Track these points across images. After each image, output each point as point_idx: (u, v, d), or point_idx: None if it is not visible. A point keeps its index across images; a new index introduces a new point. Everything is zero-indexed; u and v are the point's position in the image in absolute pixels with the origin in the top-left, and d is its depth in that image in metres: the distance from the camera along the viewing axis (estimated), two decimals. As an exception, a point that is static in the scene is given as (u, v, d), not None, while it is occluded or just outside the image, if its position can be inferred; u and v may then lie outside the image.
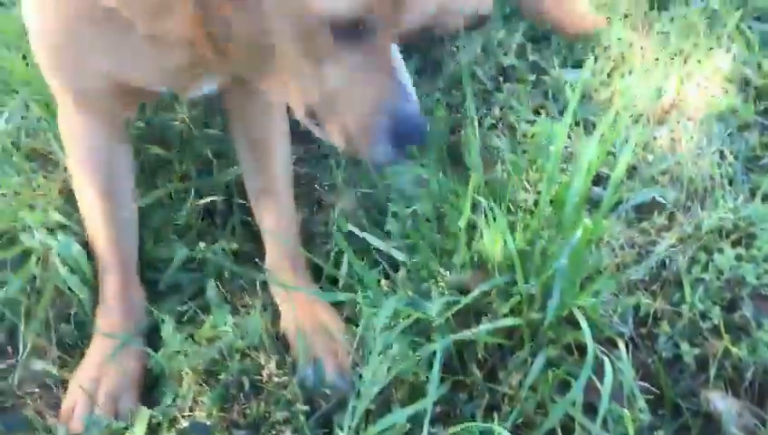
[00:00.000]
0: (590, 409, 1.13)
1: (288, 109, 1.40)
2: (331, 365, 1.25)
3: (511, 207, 1.42)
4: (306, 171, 1.63)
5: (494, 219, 1.24)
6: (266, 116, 1.47)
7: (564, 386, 1.15)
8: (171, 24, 1.09)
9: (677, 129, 1.67)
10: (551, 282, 1.17)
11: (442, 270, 1.26)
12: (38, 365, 1.28)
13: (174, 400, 1.20)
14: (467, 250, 1.29)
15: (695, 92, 1.75)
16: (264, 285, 1.37)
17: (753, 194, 1.51)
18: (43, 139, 1.55)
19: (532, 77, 1.83)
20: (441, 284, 1.23)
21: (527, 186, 1.51)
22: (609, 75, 1.84)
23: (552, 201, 1.30)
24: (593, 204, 1.41)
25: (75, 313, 1.33)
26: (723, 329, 1.25)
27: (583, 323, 1.14)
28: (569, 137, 1.62)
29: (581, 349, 1.17)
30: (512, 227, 1.28)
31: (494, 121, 1.71)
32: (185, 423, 1.17)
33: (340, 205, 1.50)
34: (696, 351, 1.24)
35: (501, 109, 1.75)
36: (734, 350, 1.23)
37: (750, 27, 1.89)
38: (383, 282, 1.28)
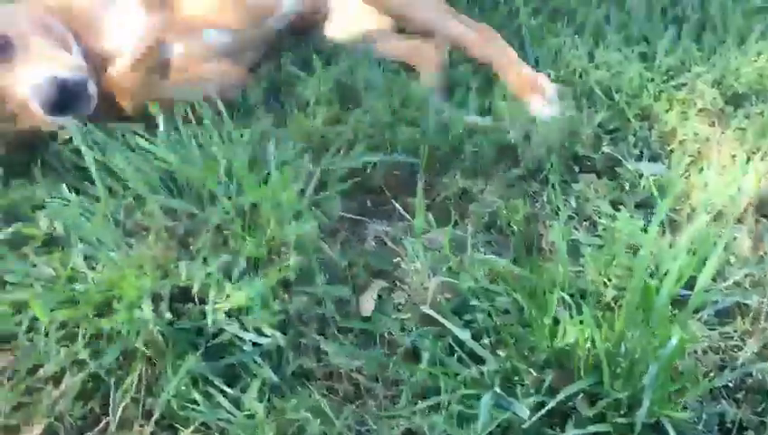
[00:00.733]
0: None
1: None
2: None
3: (593, 302, 1.43)
4: (388, 248, 1.66)
5: (581, 319, 1.26)
6: None
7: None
8: None
9: (757, 229, 1.67)
10: (638, 386, 1.17)
11: (526, 367, 1.27)
12: (126, 436, 1.31)
13: None
14: (551, 347, 1.30)
15: (773, 191, 1.75)
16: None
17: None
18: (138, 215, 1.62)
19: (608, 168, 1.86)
20: (527, 382, 1.23)
21: (607, 281, 1.51)
22: (685, 170, 1.86)
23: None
24: (677, 304, 1.42)
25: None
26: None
27: (672, 433, 1.13)
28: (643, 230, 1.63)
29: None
30: (598, 324, 1.29)
31: (571, 213, 1.73)
32: None
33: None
34: (783, 463, 1.23)
35: (577, 199, 1.77)
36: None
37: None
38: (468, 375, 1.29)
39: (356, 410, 1.35)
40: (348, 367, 1.41)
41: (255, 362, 1.40)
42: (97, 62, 1.82)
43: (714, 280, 1.53)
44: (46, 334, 1.40)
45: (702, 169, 1.84)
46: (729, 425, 1.29)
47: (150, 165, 1.75)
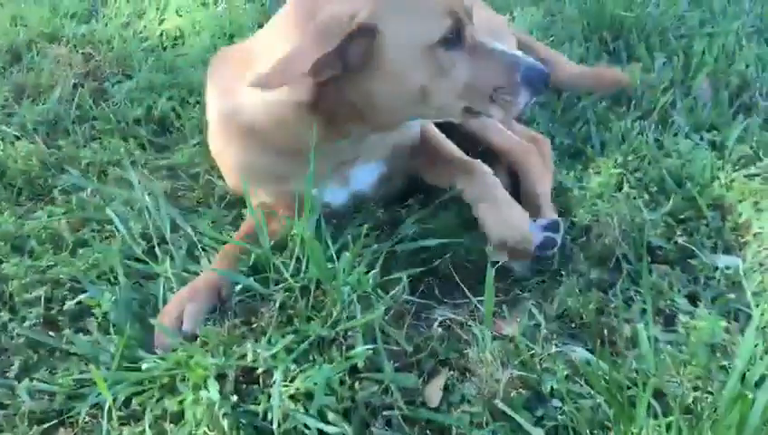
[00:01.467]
0: None
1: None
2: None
3: (672, 404, 1.37)
4: (455, 334, 1.62)
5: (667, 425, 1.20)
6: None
7: None
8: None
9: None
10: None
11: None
12: None
13: None
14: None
15: None
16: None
17: None
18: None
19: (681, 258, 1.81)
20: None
21: (686, 382, 1.45)
22: (761, 264, 1.80)
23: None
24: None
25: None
26: None
27: None
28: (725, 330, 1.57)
29: None
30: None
31: (644, 306, 1.67)
32: None
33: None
34: None
35: (651, 290, 1.71)
36: None
37: None
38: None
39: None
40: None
41: (321, 450, 1.36)
42: None
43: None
44: (110, 414, 1.37)
45: (779, 265, 1.78)
46: None
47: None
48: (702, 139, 2.20)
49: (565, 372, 1.42)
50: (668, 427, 1.26)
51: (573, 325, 1.64)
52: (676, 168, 2.05)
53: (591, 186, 2.01)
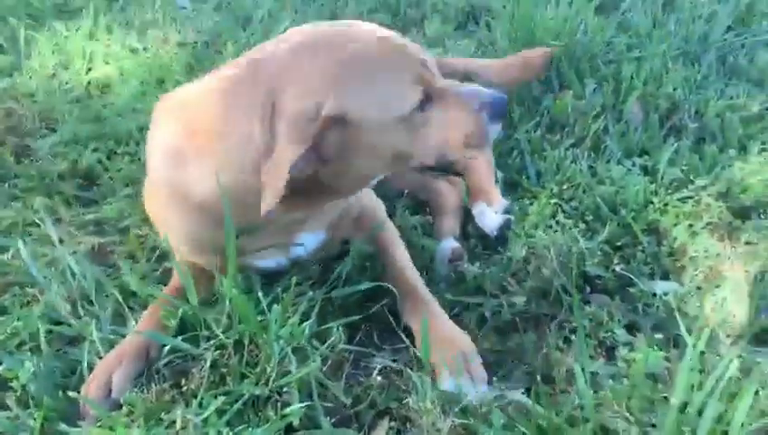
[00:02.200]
0: None
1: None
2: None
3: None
4: (395, 388, 1.57)
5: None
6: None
7: None
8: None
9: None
10: None
11: None
12: None
13: None
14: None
15: (794, 310, 1.68)
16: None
17: None
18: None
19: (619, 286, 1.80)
20: None
21: (629, 417, 1.42)
22: (698, 288, 1.80)
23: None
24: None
25: None
26: None
27: None
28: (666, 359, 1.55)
29: None
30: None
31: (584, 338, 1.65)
32: None
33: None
34: None
35: (590, 321, 1.69)
36: None
37: None
38: None
39: None
40: None
41: None
42: None
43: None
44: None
45: (717, 286, 1.78)
46: None
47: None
48: (634, 164, 2.21)
49: (502, 421, 1.38)
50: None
51: (512, 362, 1.60)
52: (610, 194, 2.05)
53: (528, 217, 1.99)
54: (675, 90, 2.56)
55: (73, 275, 1.81)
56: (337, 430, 1.43)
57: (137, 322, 1.69)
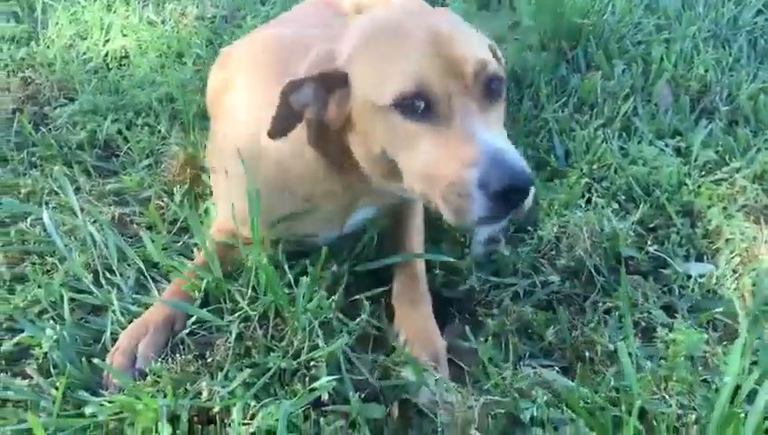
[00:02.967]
0: None
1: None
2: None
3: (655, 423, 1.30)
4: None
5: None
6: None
7: None
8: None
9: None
10: None
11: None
12: None
13: None
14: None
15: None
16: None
17: None
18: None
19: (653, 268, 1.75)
20: None
21: (668, 399, 1.38)
22: (734, 271, 1.75)
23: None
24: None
25: None
26: None
27: None
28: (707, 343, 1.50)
29: None
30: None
31: (620, 321, 1.60)
32: None
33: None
34: None
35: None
36: None
37: None
38: None
39: None
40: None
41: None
42: None
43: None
44: (51, 465, 1.25)
45: (753, 270, 1.73)
46: None
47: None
48: (666, 145, 2.16)
49: (545, 398, 1.34)
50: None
51: (543, 342, 1.56)
52: (643, 175, 2.00)
53: (558, 196, 1.94)
54: (706, 72, 2.50)
55: (95, 243, 1.77)
56: (366, 406, 1.39)
57: (159, 292, 1.66)
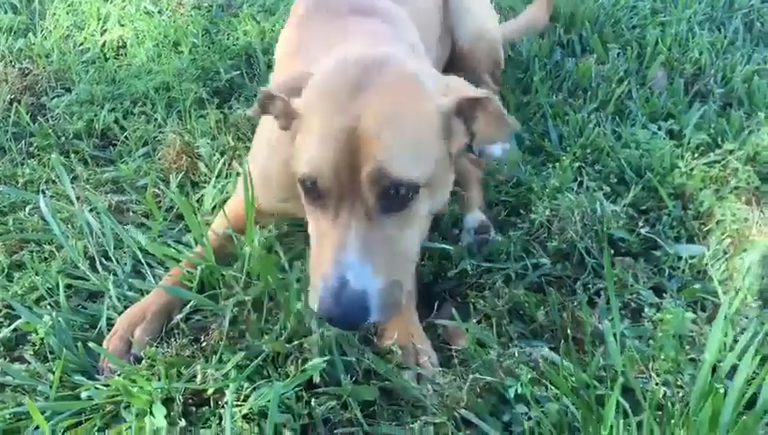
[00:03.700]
0: None
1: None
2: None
3: (641, 401, 1.31)
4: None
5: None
6: None
7: None
8: None
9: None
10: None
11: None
12: None
13: None
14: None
15: (821, 276, 1.65)
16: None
17: None
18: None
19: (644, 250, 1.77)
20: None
21: (655, 377, 1.40)
22: (725, 252, 1.76)
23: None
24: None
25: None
26: None
27: None
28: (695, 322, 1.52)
29: None
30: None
31: (608, 301, 1.62)
32: None
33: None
34: None
35: (615, 283, 1.66)
36: None
37: None
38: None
39: None
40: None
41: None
42: None
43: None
44: (48, 447, 1.28)
45: (744, 251, 1.74)
46: None
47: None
48: (659, 128, 2.17)
49: (530, 376, 1.36)
50: (639, 425, 1.21)
51: (532, 323, 1.58)
52: (635, 158, 2.01)
53: (551, 180, 1.95)
54: (700, 54, 2.51)
55: (91, 231, 1.79)
56: (358, 388, 1.41)
57: (155, 278, 1.68)
